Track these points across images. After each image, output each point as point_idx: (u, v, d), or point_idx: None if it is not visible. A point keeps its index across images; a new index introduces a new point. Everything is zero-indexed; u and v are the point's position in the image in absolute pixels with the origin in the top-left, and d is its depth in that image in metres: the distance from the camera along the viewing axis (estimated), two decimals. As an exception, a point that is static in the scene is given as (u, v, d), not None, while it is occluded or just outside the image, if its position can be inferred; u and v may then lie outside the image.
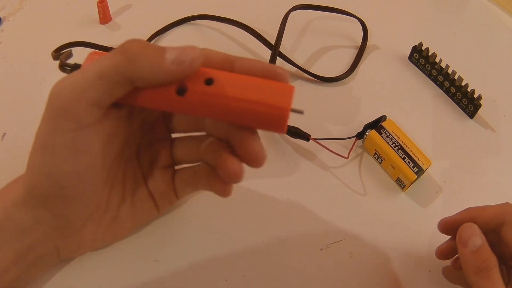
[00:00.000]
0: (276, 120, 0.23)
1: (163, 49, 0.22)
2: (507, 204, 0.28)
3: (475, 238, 0.27)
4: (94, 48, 0.42)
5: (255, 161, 0.25)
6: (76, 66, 0.28)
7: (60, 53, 0.30)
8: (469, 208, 0.30)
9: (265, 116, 0.23)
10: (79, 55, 0.29)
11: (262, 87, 0.23)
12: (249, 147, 0.24)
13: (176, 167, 0.31)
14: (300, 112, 0.23)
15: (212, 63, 0.24)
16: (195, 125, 0.29)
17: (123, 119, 0.26)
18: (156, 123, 0.29)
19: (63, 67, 0.28)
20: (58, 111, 0.22)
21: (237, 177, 0.25)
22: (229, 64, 0.24)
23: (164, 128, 0.30)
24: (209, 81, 0.23)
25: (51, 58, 0.34)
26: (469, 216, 0.29)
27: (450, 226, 0.29)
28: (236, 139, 0.25)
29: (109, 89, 0.22)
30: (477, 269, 0.26)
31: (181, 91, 0.23)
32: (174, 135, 0.31)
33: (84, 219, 0.27)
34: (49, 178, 0.23)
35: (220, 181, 0.27)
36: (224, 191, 0.28)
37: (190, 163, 0.30)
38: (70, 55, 0.29)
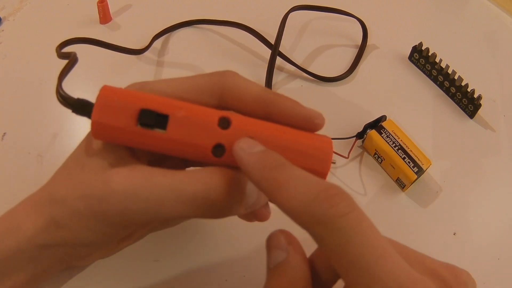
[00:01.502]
0: (319, 171, 0.22)
1: (245, 193, 0.21)
2: (329, 190, 0.18)
3: (275, 252, 0.20)
4: (100, 46, 0.40)
5: (261, 220, 0.26)
6: (80, 102, 0.21)
7: (64, 54, 0.26)
8: (276, 161, 0.20)
9: (307, 168, 0.21)
10: (83, 55, 0.28)
11: (302, 147, 0.22)
12: (261, 212, 0.25)
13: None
14: (333, 162, 0.23)
15: (244, 101, 0.22)
16: None
17: None
18: None
19: (63, 99, 0.22)
20: (113, 213, 0.21)
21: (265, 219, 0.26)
22: (263, 104, 0.22)
23: None
24: (251, 137, 0.21)
25: (51, 58, 0.34)
26: (269, 182, 0.19)
27: (246, 173, 0.21)
28: None
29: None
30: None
31: (218, 151, 0.21)
32: None
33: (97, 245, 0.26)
34: (76, 244, 0.23)
35: None
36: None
37: None
38: (75, 61, 0.25)
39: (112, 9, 0.47)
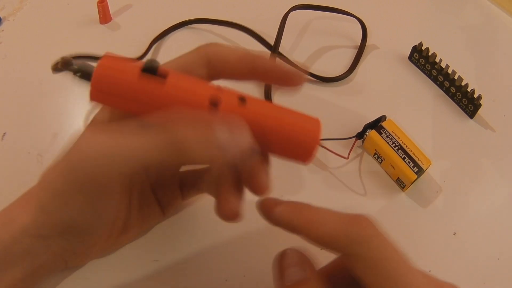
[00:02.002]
0: (306, 146, 0.23)
1: (212, 129, 0.20)
2: (357, 218, 0.21)
3: (292, 270, 0.21)
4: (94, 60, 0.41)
5: (259, 191, 0.24)
6: (84, 69, 0.22)
7: (57, 63, 0.25)
8: (304, 206, 0.22)
9: (295, 141, 0.22)
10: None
11: (293, 113, 0.23)
12: (258, 177, 0.23)
13: (181, 170, 0.31)
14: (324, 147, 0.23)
15: (230, 62, 0.24)
16: None
17: None
18: None
19: (58, 68, 0.23)
20: (84, 179, 0.21)
21: (231, 218, 0.24)
22: (246, 63, 0.24)
23: None
24: (242, 99, 0.22)
25: (51, 59, 0.34)
26: (301, 221, 0.21)
27: (274, 220, 0.22)
28: (246, 168, 0.24)
29: (150, 169, 0.22)
30: None
31: (214, 106, 0.22)
32: None
33: (95, 239, 0.27)
34: (65, 224, 0.23)
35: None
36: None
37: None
38: (70, 63, 0.24)
39: (112, 9, 0.47)
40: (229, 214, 0.23)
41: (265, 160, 0.24)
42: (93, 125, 0.24)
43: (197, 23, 0.47)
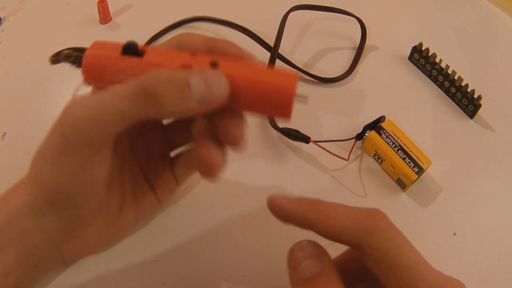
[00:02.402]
0: (282, 100, 0.23)
1: (187, 83, 0.21)
2: (372, 211, 0.22)
3: (308, 262, 0.21)
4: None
5: (235, 144, 0.24)
6: (79, 56, 0.27)
7: (58, 56, 0.30)
8: (317, 202, 0.22)
9: (271, 96, 0.23)
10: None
11: (267, 71, 0.24)
12: (232, 131, 0.24)
13: (172, 154, 0.31)
14: (305, 98, 0.23)
15: (196, 46, 0.25)
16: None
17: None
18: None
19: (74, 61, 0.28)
20: (72, 138, 0.22)
21: (209, 168, 0.24)
22: (211, 44, 0.25)
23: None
24: (214, 64, 0.23)
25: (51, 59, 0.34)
26: (316, 214, 0.21)
27: (287, 216, 0.22)
28: (221, 122, 0.24)
29: (129, 126, 0.22)
30: None
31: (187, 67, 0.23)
32: (165, 122, 0.31)
33: (87, 221, 0.27)
34: (57, 189, 0.24)
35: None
36: (208, 176, 0.26)
37: (185, 144, 0.31)
38: (70, 56, 0.29)
39: (112, 9, 0.47)
40: (208, 162, 0.24)
41: (240, 117, 0.25)
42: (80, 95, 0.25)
43: (195, 21, 0.47)
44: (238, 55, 0.25)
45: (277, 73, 0.24)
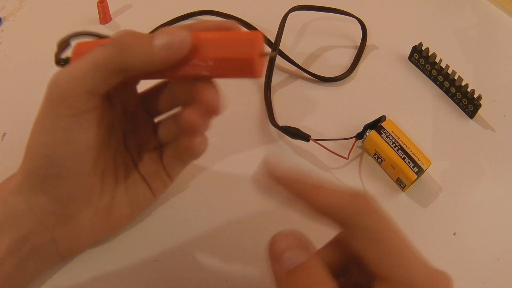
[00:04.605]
0: (246, 54, 0.24)
1: (152, 37, 0.23)
2: (360, 192, 0.21)
3: (292, 252, 0.20)
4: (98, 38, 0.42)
5: (211, 108, 0.25)
6: (68, 60, 0.29)
7: (60, 43, 0.33)
8: (309, 175, 0.21)
9: (234, 51, 0.24)
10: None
11: (233, 32, 0.25)
12: (206, 93, 0.25)
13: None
14: (274, 53, 0.24)
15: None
16: (169, 102, 0.30)
17: (106, 105, 0.27)
18: (136, 109, 0.30)
19: (59, 62, 0.30)
20: (56, 99, 0.23)
21: (191, 125, 0.26)
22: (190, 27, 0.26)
23: (144, 113, 0.31)
24: None
25: (51, 58, 0.34)
26: (309, 187, 0.21)
27: (279, 177, 0.22)
28: (195, 90, 0.25)
29: (104, 78, 0.23)
30: None
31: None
32: (156, 119, 0.31)
33: (79, 204, 0.27)
34: (47, 158, 0.24)
35: (186, 137, 0.28)
36: (191, 147, 0.28)
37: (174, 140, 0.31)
38: (68, 45, 0.31)
39: (112, 9, 0.47)
40: (186, 120, 0.26)
41: (209, 83, 0.26)
42: None
43: (202, 15, 0.48)
44: (220, 28, 0.26)
45: (242, 32, 0.25)
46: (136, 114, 0.30)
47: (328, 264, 0.21)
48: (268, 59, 0.25)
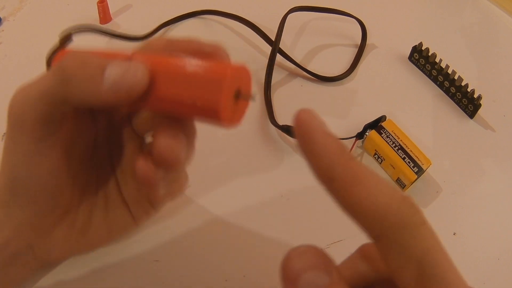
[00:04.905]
0: (210, 93, 0.19)
1: (102, 68, 0.20)
2: (408, 199, 0.16)
3: (311, 274, 0.16)
4: (100, 34, 0.42)
5: (161, 158, 0.22)
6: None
7: (62, 37, 0.32)
8: (349, 156, 0.16)
9: (197, 89, 0.19)
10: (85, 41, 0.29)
11: (205, 63, 0.20)
12: (155, 140, 0.22)
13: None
14: (251, 99, 0.20)
15: (154, 51, 0.23)
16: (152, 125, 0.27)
17: (84, 120, 0.25)
18: (123, 125, 0.28)
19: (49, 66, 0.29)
20: (13, 125, 0.23)
21: (144, 179, 0.23)
22: (168, 49, 0.23)
23: (132, 130, 0.28)
24: (129, 58, 0.22)
25: (50, 53, 0.34)
26: (346, 172, 0.16)
27: (311, 146, 0.16)
28: (153, 131, 0.23)
29: (54, 107, 0.22)
30: None
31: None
32: (149, 140, 0.29)
33: (54, 220, 0.26)
34: (13, 179, 0.24)
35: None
36: (151, 197, 0.26)
37: None
38: (69, 39, 0.31)
39: (112, 9, 0.47)
40: (137, 172, 0.23)
41: (169, 126, 0.22)
42: None
43: (204, 14, 0.48)
44: (200, 52, 0.22)
45: (215, 65, 0.20)
46: (122, 128, 0.28)
47: (351, 285, 0.18)
48: (252, 97, 0.21)
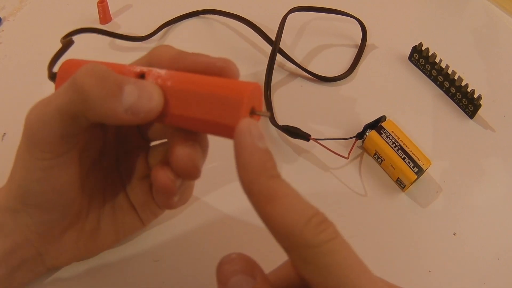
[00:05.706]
0: (227, 113, 0.20)
1: (121, 89, 0.20)
2: (319, 216, 0.18)
3: (238, 278, 0.19)
4: (102, 35, 0.42)
5: (181, 169, 0.22)
6: (54, 76, 0.26)
7: (64, 40, 0.31)
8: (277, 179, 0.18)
9: (210, 120, 0.21)
10: (87, 42, 0.29)
11: (218, 82, 0.21)
12: (175, 152, 0.22)
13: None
14: (267, 115, 0.21)
15: (162, 61, 0.24)
16: (163, 132, 0.28)
17: (96, 129, 0.26)
18: (131, 131, 0.28)
19: (52, 77, 0.27)
20: (31, 142, 0.22)
21: (164, 189, 0.23)
22: (177, 61, 0.23)
23: (139, 136, 0.28)
24: (142, 75, 0.22)
25: (52, 58, 0.34)
26: (259, 201, 0.18)
27: None
28: (169, 143, 0.23)
29: (72, 123, 0.21)
30: None
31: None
32: (152, 143, 0.29)
33: (63, 227, 0.26)
34: (26, 191, 0.24)
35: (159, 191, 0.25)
36: (165, 204, 0.26)
37: None
38: (70, 43, 0.30)
39: (112, 9, 0.47)
40: (157, 183, 0.24)
41: (186, 137, 0.23)
42: None
43: (206, 13, 0.48)
44: (210, 66, 0.23)
45: (229, 84, 0.21)
46: (130, 135, 0.28)
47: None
48: (267, 114, 0.22)
